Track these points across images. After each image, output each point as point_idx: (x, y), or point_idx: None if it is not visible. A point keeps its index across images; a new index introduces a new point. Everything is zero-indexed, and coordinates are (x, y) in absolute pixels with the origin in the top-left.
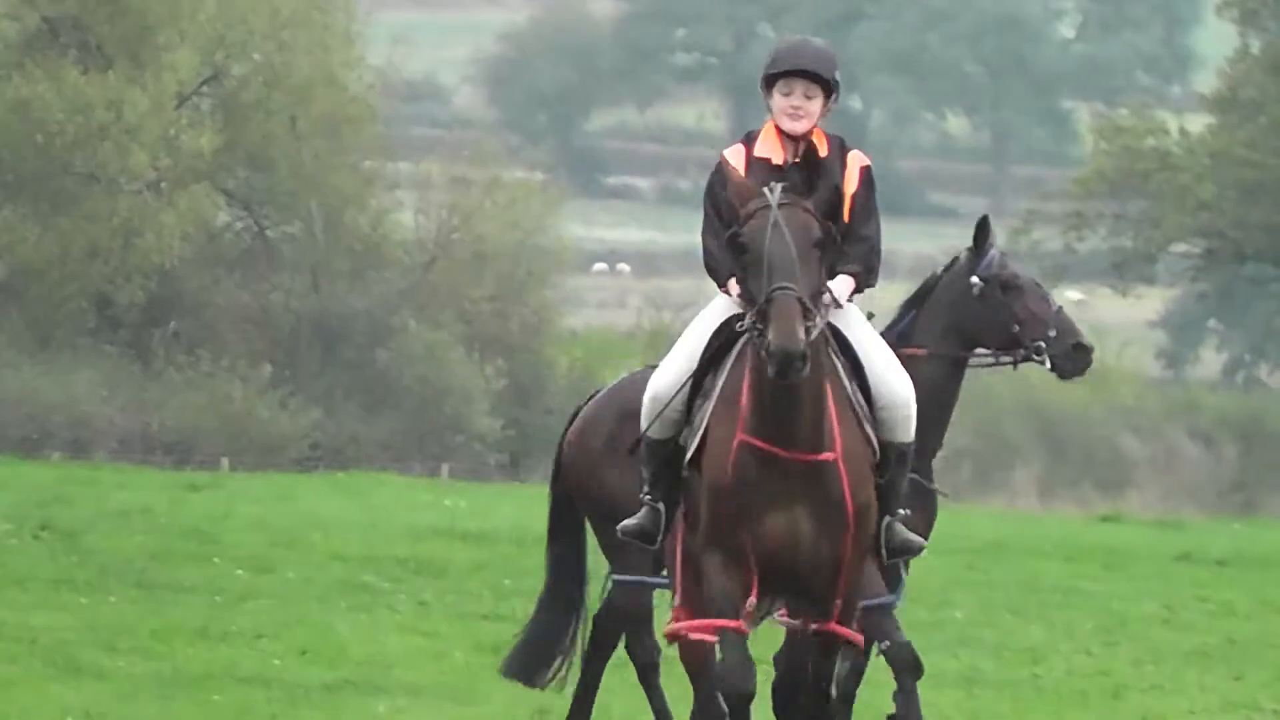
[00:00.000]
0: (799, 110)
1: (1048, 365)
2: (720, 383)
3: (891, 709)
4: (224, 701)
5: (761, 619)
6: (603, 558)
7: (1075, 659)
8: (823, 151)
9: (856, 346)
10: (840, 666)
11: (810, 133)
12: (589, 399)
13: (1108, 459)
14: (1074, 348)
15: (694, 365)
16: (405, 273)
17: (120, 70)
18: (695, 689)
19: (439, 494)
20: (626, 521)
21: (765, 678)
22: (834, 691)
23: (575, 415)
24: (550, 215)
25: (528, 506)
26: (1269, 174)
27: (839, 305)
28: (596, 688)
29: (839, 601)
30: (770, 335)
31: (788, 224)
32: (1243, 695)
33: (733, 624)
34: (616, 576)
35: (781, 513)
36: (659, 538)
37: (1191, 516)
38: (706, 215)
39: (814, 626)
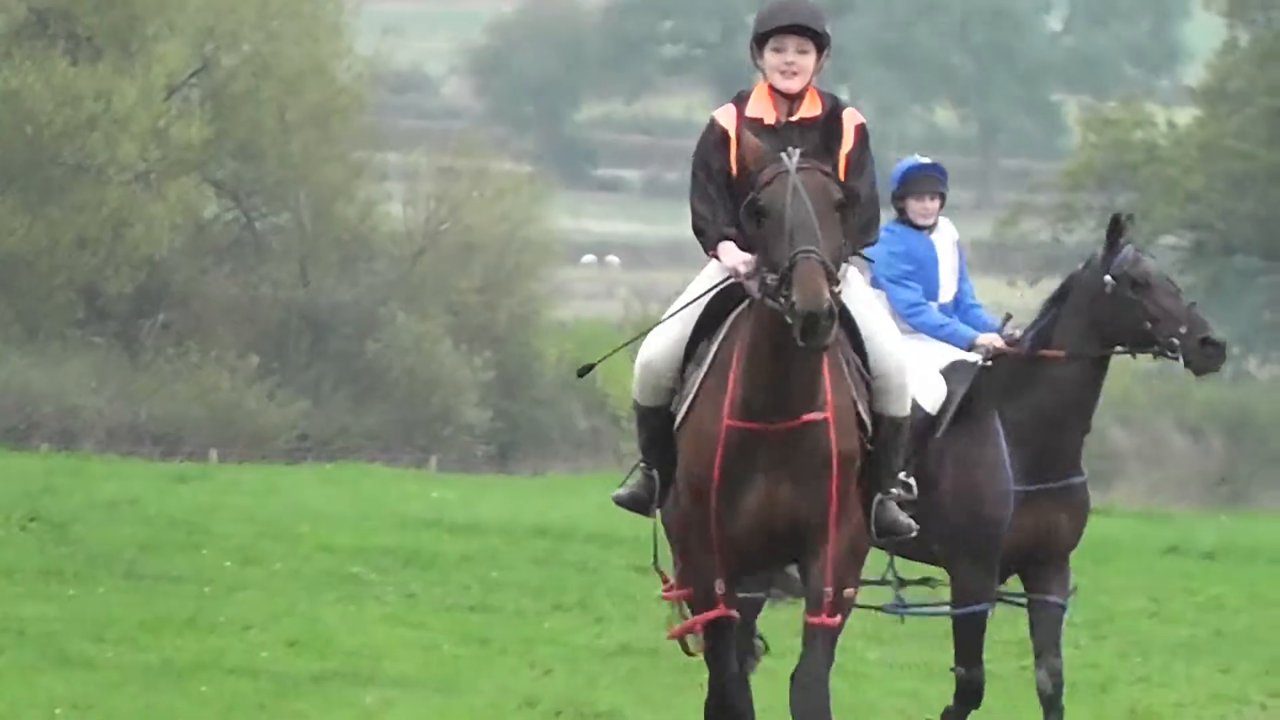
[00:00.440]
0: (793, 66)
1: (1181, 361)
2: (713, 351)
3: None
4: (212, 692)
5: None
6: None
7: (1064, 652)
8: (818, 109)
9: (854, 313)
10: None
11: (805, 90)
12: None
13: (1095, 451)
14: (1204, 343)
15: (687, 332)
16: (393, 264)
17: (109, 61)
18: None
19: (427, 485)
20: (618, 490)
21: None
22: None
23: None
24: (538, 207)
25: (516, 498)
26: (1257, 166)
27: (866, 259)
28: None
29: (829, 589)
30: (796, 298)
31: (806, 187)
32: (1231, 688)
33: (715, 613)
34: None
35: (763, 479)
36: (653, 504)
37: (1179, 509)
38: (695, 178)
39: (809, 620)
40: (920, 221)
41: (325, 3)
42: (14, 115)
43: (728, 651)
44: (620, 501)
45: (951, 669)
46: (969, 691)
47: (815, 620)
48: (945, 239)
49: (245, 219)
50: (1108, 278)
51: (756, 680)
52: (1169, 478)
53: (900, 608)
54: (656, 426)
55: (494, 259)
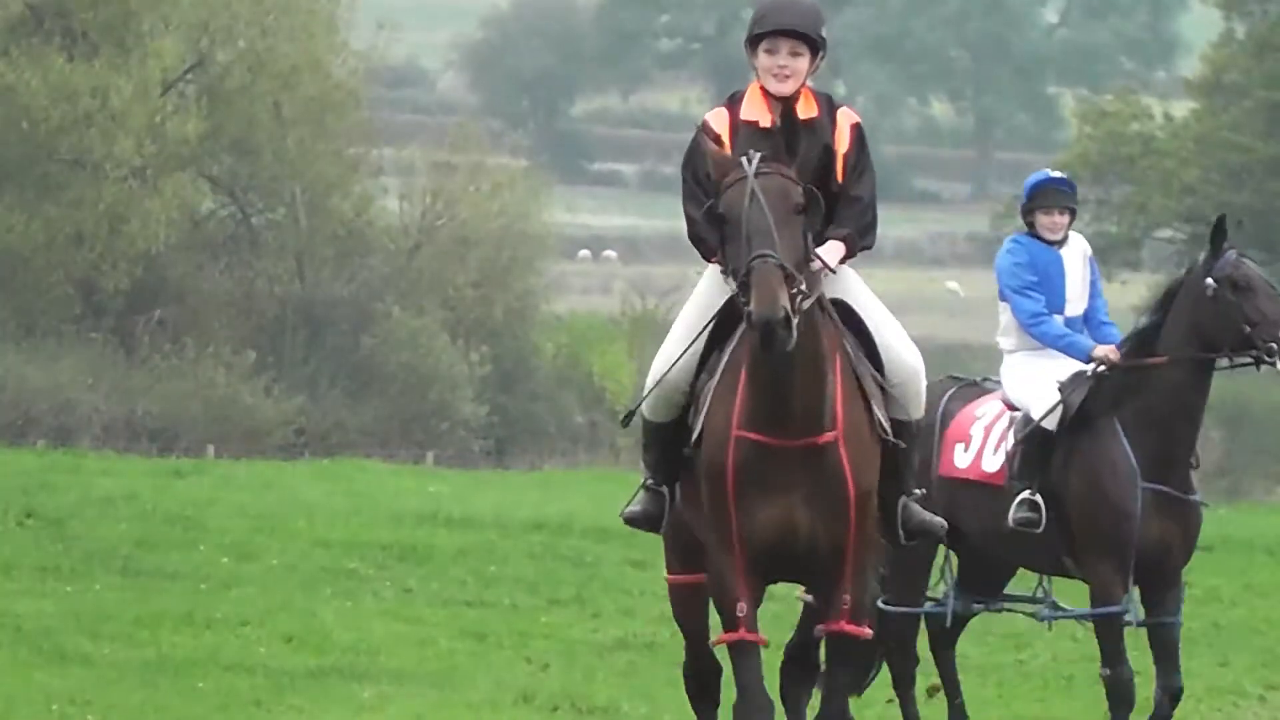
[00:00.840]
0: (785, 70)
1: (1278, 365)
2: (724, 361)
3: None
4: (208, 688)
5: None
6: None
7: (1060, 644)
8: (812, 111)
9: (866, 319)
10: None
11: (798, 93)
12: None
13: None
14: None
15: (700, 345)
16: (389, 259)
17: (105, 57)
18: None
19: (423, 480)
20: (629, 508)
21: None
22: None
23: None
24: (534, 201)
25: (512, 493)
26: (1254, 158)
27: (831, 271)
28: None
29: (847, 597)
30: (752, 305)
31: (764, 192)
32: (1228, 680)
33: (737, 636)
34: (883, 605)
35: (780, 500)
36: (664, 521)
37: None
38: (686, 184)
39: (821, 627)
40: (1048, 236)
41: None
42: (10, 111)
43: (754, 670)
44: (633, 520)
45: (1100, 674)
46: (1120, 693)
47: (834, 626)
48: (1075, 253)
49: (241, 214)
50: (1209, 281)
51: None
52: None
53: (1049, 614)
54: (667, 442)
55: (490, 253)
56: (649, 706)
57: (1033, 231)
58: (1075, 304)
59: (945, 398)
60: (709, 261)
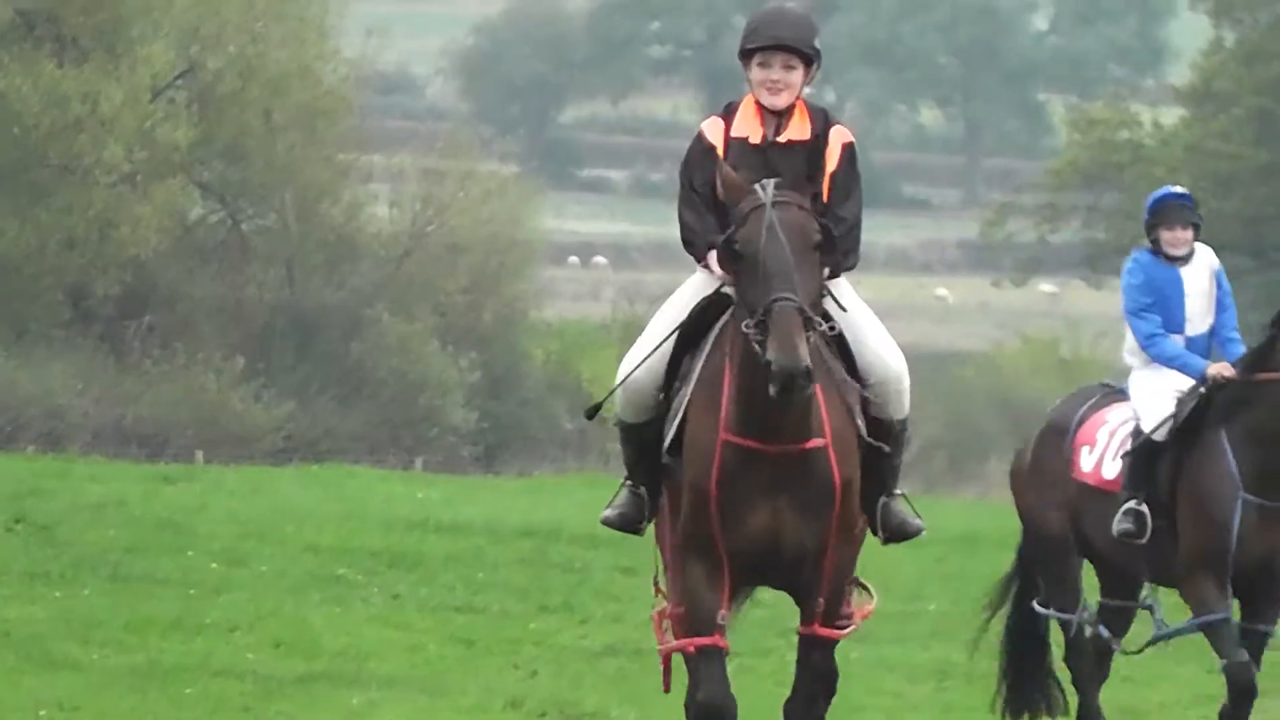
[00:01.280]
0: (778, 84)
1: None
2: (698, 368)
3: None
4: (198, 694)
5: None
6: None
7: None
8: (806, 130)
9: (842, 321)
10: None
11: (792, 106)
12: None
13: None
14: None
15: (668, 347)
16: (379, 265)
17: (95, 63)
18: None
19: (413, 486)
20: (607, 512)
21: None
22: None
23: None
24: (524, 208)
25: (502, 499)
26: (1242, 166)
27: (844, 309)
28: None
29: (822, 601)
30: (771, 353)
31: (783, 226)
32: (1216, 688)
33: (708, 641)
34: (1037, 607)
35: (765, 505)
36: (643, 524)
37: None
38: (683, 189)
39: (800, 630)
40: (1172, 251)
41: (311, 4)
42: (1, 117)
43: (722, 676)
44: (609, 523)
45: (1220, 666)
46: (1240, 683)
47: (807, 630)
48: (1199, 269)
49: (231, 220)
50: None
51: (735, 679)
52: None
53: (1162, 634)
54: (642, 443)
55: (480, 260)
56: (637, 712)
57: (1156, 248)
58: (1196, 322)
59: (1086, 404)
60: (700, 265)
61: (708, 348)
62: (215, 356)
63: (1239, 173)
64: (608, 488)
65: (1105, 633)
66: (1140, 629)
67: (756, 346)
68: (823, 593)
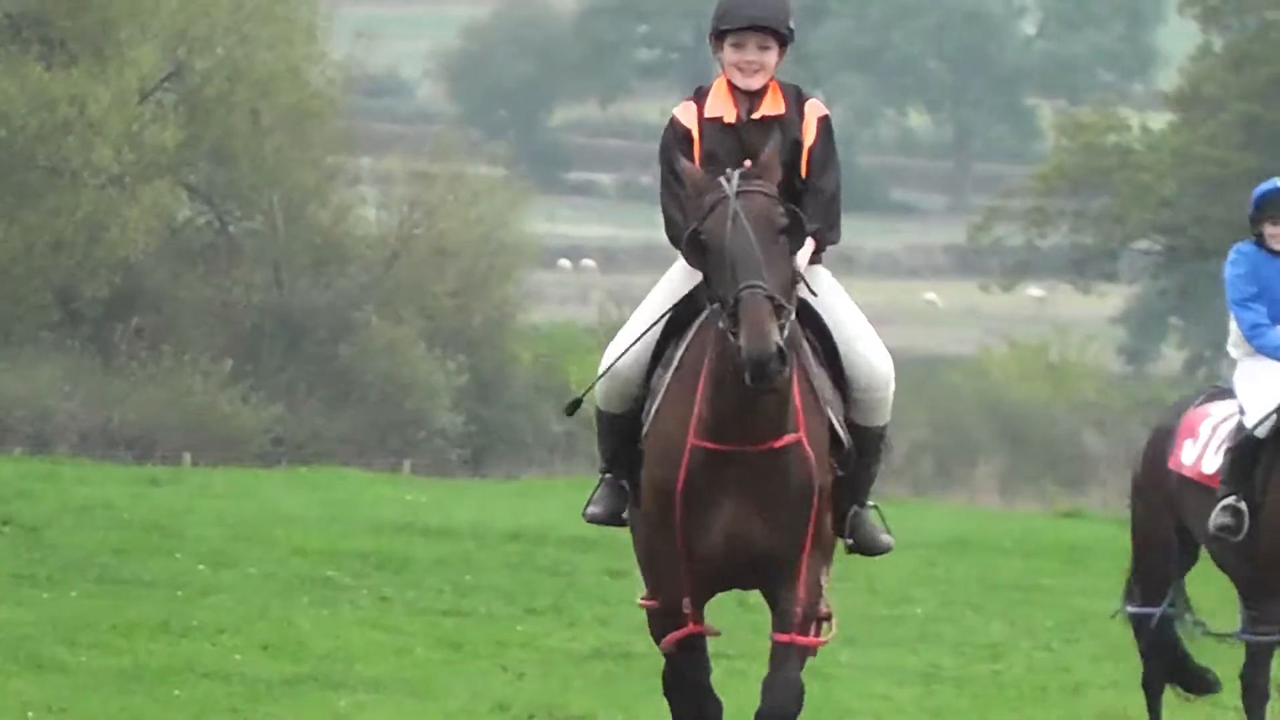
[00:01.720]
0: (753, 64)
1: None
2: (679, 355)
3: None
4: (185, 696)
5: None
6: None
7: (1035, 655)
8: (779, 106)
9: (831, 322)
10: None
11: (765, 87)
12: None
13: (1069, 455)
14: None
15: (654, 337)
16: (367, 268)
17: (83, 65)
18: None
19: (400, 489)
20: (590, 508)
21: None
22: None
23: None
24: (512, 211)
25: (489, 502)
26: (1230, 171)
27: (814, 294)
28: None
29: (799, 610)
30: (742, 340)
31: (747, 215)
32: None
33: (686, 632)
34: (1129, 609)
35: (733, 504)
36: (625, 515)
37: None
38: (664, 180)
39: (774, 638)
40: (1275, 246)
41: (298, 6)
42: None
43: (702, 666)
44: (595, 520)
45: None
46: (1255, 698)
47: (784, 638)
48: None
49: (219, 223)
50: None
51: (726, 682)
52: None
53: (1246, 634)
54: (623, 434)
55: (468, 263)
56: (625, 716)
57: (1260, 242)
58: None
59: (1193, 401)
60: (686, 261)
61: (690, 334)
62: (203, 358)
63: (1227, 178)
64: None
65: (1198, 621)
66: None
67: (731, 338)
68: (798, 600)
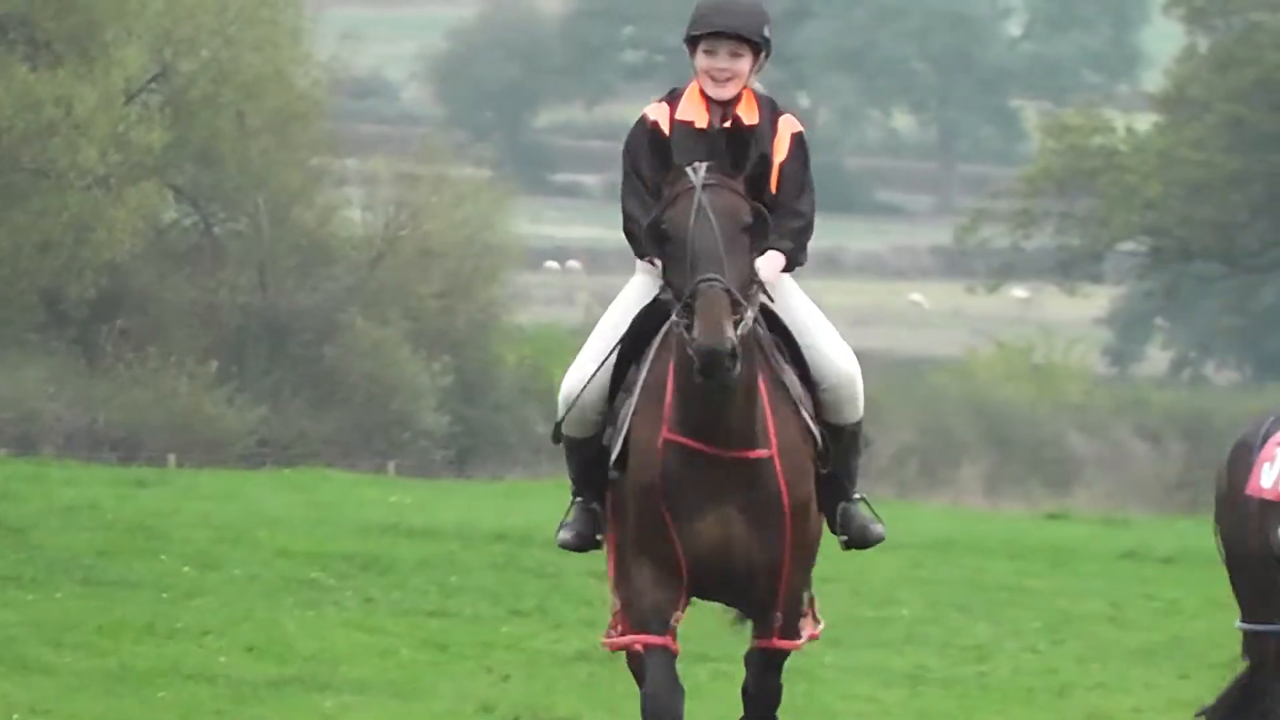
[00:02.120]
0: (725, 72)
1: None
2: (642, 376)
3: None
4: (170, 698)
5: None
6: None
7: (1021, 657)
8: (753, 116)
9: (791, 322)
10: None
11: (739, 95)
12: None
13: (1054, 456)
14: None
15: (613, 360)
16: (352, 269)
17: (69, 67)
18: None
19: (385, 490)
20: (562, 535)
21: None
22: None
23: None
24: (498, 212)
25: (474, 503)
26: (1215, 173)
27: (770, 299)
28: None
29: (779, 614)
30: (696, 333)
31: (713, 208)
32: (1189, 693)
33: (660, 641)
34: (1239, 624)
35: (714, 513)
36: (600, 538)
37: (1138, 514)
38: (626, 176)
39: (756, 643)
40: None
41: (284, 8)
42: None
43: (669, 673)
44: (567, 546)
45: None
46: None
47: (764, 644)
48: None
49: (204, 224)
50: None
51: (711, 685)
52: (1128, 483)
53: None
54: (588, 458)
55: (453, 264)
56: (610, 718)
57: None
58: None
59: (1273, 418)
60: (640, 258)
61: (651, 354)
62: (188, 360)
63: (1212, 179)
64: None
65: None
66: None
67: (684, 332)
68: (779, 607)
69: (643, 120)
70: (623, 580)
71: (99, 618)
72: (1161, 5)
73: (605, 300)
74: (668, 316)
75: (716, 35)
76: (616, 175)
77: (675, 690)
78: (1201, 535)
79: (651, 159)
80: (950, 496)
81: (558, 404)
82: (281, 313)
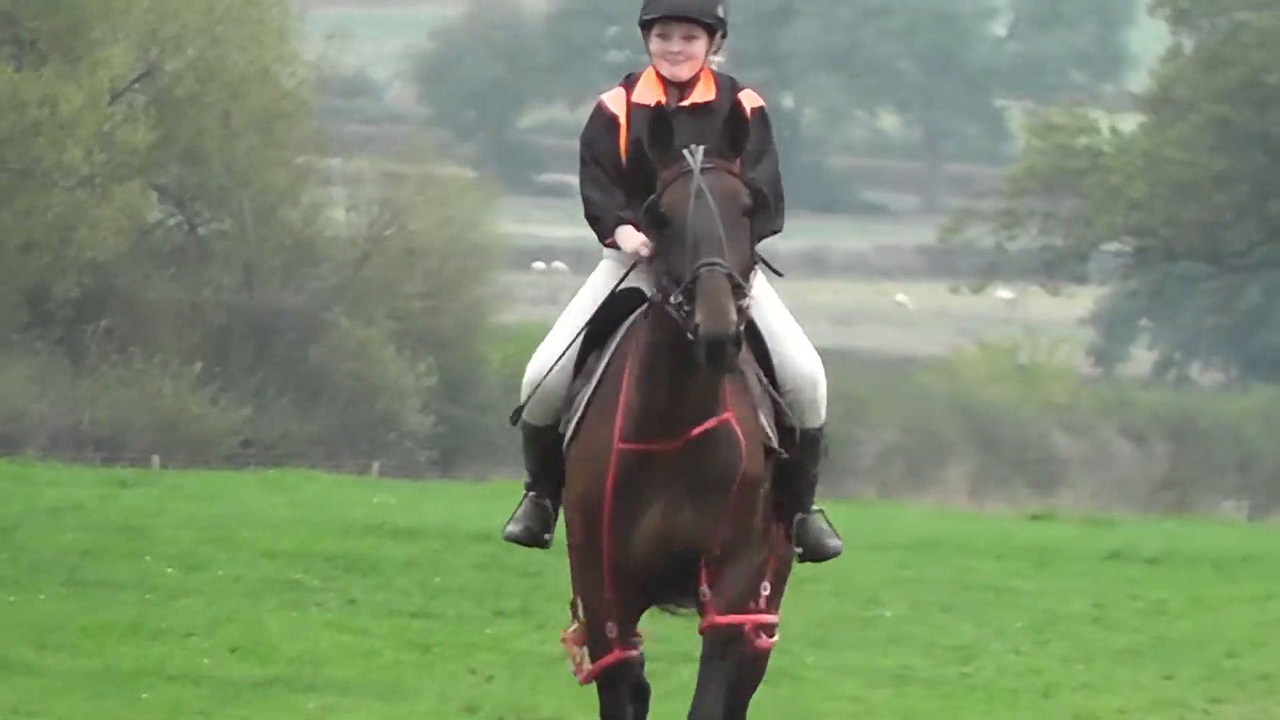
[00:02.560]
0: (678, 55)
1: None
2: (602, 365)
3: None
4: (154, 699)
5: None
6: None
7: (1006, 657)
8: (709, 94)
9: (759, 321)
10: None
11: (696, 77)
12: None
13: (1039, 457)
14: None
15: (578, 344)
16: (337, 269)
17: (54, 66)
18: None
19: (369, 491)
20: (509, 527)
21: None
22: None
23: None
24: (483, 212)
25: (458, 504)
26: (1200, 173)
27: (779, 274)
28: None
29: (733, 587)
30: (699, 318)
31: (713, 191)
32: (1173, 694)
33: (616, 658)
34: None
35: (660, 501)
36: (549, 536)
37: (1123, 514)
38: (585, 164)
39: (715, 620)
40: None
41: (270, 7)
42: None
43: (621, 700)
44: (514, 539)
45: None
46: None
47: (722, 618)
48: None
49: (189, 224)
50: None
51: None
52: (1112, 483)
53: None
54: (547, 448)
55: (438, 264)
56: (594, 718)
57: None
58: None
59: None
60: (604, 244)
61: (613, 345)
62: (173, 360)
63: (1197, 179)
64: None
65: None
66: None
67: (681, 316)
68: (728, 586)
69: (600, 108)
70: (581, 588)
71: (83, 618)
72: (1147, 5)
73: None
74: (633, 305)
75: (668, 18)
76: None
77: (624, 695)
78: (1187, 536)
79: (609, 147)
80: (935, 496)
81: (521, 388)
82: (266, 313)
